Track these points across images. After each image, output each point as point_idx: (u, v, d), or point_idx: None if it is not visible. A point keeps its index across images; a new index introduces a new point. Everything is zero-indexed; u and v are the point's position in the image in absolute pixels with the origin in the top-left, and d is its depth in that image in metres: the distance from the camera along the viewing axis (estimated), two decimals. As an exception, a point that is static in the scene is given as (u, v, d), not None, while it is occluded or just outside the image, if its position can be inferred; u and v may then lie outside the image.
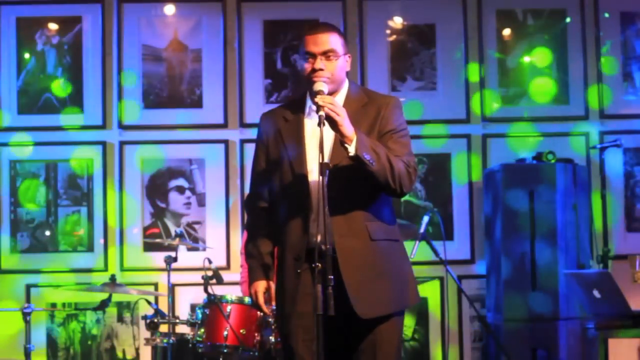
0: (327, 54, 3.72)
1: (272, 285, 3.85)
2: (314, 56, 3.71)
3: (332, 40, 3.74)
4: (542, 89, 7.02)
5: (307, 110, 3.81)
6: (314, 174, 3.66)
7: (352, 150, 3.58)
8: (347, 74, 3.88)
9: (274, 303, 3.87)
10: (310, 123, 3.77)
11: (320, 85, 3.66)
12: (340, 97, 3.81)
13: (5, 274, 6.83)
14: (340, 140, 3.59)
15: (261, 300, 3.84)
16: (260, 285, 3.84)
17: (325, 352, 3.43)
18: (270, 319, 5.31)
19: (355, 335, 3.70)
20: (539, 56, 7.03)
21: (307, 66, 3.73)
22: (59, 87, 6.95)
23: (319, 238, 3.47)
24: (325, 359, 3.42)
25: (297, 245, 3.69)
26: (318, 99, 3.59)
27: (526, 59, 7.03)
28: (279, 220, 3.78)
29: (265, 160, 3.86)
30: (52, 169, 6.90)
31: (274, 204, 3.83)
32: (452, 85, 7.00)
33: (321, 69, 3.70)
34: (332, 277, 3.43)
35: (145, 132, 6.94)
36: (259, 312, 5.33)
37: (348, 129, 3.58)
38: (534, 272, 6.29)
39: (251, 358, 5.43)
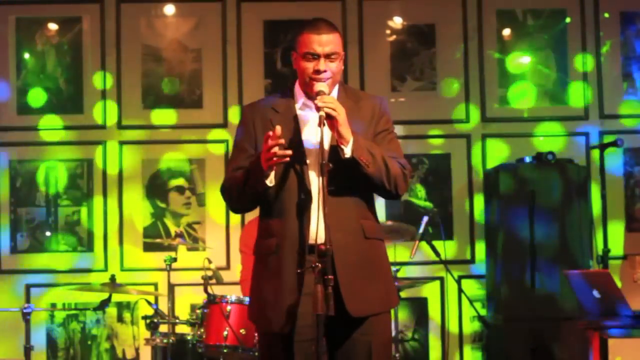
0: (330, 56, 3.68)
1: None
2: (317, 57, 3.66)
3: (336, 41, 3.68)
4: (542, 89, 7.02)
5: (299, 104, 3.74)
6: (312, 167, 3.63)
7: (348, 151, 3.56)
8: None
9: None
10: (303, 116, 3.70)
11: (320, 86, 3.63)
12: (333, 95, 3.76)
13: (5, 274, 6.83)
14: (337, 141, 3.56)
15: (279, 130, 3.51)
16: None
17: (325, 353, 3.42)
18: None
19: (347, 333, 3.67)
20: (539, 56, 7.03)
21: (309, 65, 3.66)
22: (59, 87, 6.95)
23: (318, 238, 3.46)
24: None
25: (298, 240, 3.62)
26: (318, 100, 3.56)
27: (526, 59, 7.03)
28: (273, 212, 3.69)
29: (254, 149, 3.73)
30: (52, 168, 6.90)
31: (266, 196, 3.73)
32: (452, 85, 7.00)
33: (324, 71, 3.66)
34: (332, 277, 3.41)
35: (145, 132, 6.95)
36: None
37: (347, 130, 3.56)
38: (533, 272, 6.29)
39: (251, 358, 5.43)
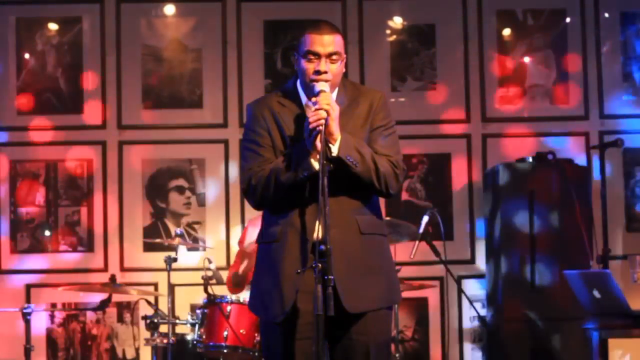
0: (332, 57, 3.68)
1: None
2: (318, 57, 3.66)
3: (338, 42, 3.68)
4: (542, 89, 7.02)
5: (303, 102, 3.74)
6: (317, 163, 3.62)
7: (334, 150, 3.57)
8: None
9: None
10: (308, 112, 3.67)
11: (322, 86, 3.64)
12: (333, 94, 3.77)
13: (5, 274, 6.83)
14: (325, 139, 3.55)
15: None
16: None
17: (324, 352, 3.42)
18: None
19: (345, 330, 3.67)
20: (539, 56, 7.03)
21: (310, 66, 3.67)
22: (59, 88, 6.95)
23: (318, 237, 3.46)
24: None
25: (302, 231, 3.62)
26: (317, 99, 3.57)
27: (526, 59, 7.03)
28: (282, 203, 3.68)
29: (270, 140, 3.73)
30: (52, 169, 6.90)
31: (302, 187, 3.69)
32: (452, 86, 7.00)
33: (325, 72, 3.67)
34: (332, 277, 3.40)
35: (145, 132, 6.95)
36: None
37: (336, 127, 3.57)
38: (533, 272, 6.29)
39: (251, 358, 5.43)
